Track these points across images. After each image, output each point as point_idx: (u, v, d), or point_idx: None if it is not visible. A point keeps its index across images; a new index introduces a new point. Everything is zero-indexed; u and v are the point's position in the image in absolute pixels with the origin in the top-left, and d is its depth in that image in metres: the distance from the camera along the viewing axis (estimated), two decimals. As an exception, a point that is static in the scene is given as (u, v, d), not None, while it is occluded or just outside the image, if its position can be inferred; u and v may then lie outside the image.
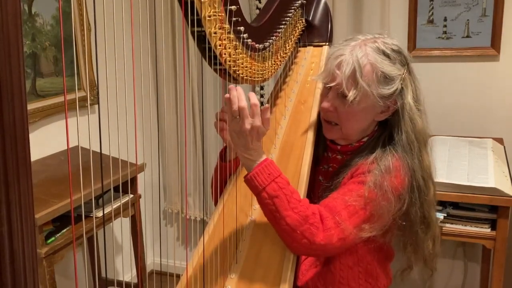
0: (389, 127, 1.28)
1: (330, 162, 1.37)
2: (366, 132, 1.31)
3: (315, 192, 1.38)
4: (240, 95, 1.06)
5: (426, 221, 1.27)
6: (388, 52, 1.23)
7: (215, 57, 1.12)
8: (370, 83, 1.20)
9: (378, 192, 1.17)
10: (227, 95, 1.08)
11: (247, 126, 1.06)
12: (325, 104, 1.28)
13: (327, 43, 1.64)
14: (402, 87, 1.23)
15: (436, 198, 1.30)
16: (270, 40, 1.35)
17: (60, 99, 2.17)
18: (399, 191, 1.20)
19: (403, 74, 1.24)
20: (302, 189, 1.25)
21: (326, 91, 1.29)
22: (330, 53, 1.28)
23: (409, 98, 1.23)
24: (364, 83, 1.19)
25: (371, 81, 1.20)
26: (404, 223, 1.27)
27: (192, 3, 1.01)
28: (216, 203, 1.35)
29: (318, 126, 1.40)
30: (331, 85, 1.24)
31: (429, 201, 1.25)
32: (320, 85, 1.45)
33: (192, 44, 2.48)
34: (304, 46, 1.67)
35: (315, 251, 1.15)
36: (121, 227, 2.48)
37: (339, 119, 1.27)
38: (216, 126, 1.28)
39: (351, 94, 1.20)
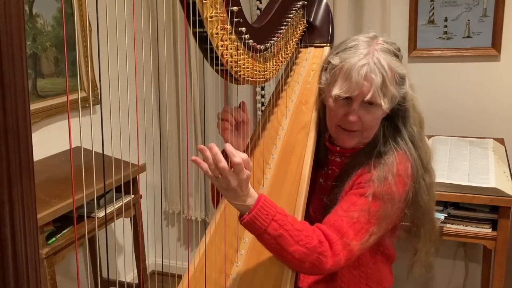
0: (385, 121, 1.28)
1: (330, 164, 1.37)
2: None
3: (316, 194, 1.38)
4: (216, 154, 0.99)
5: (418, 204, 1.27)
6: (396, 52, 1.25)
7: (217, 58, 1.12)
8: (395, 86, 1.21)
9: (382, 200, 1.17)
10: (202, 151, 1.00)
11: (234, 183, 1.00)
12: (354, 118, 1.23)
13: (328, 44, 1.64)
14: None
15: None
16: (272, 41, 1.35)
17: (60, 99, 2.17)
18: (405, 183, 1.21)
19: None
20: (303, 189, 1.25)
21: (342, 103, 1.24)
22: (348, 65, 1.20)
23: (409, 89, 1.25)
24: (392, 88, 1.20)
25: (394, 84, 1.21)
26: (413, 214, 1.27)
27: (194, 4, 1.01)
28: (216, 206, 1.35)
29: (319, 127, 1.40)
30: (367, 98, 1.19)
31: (431, 184, 1.27)
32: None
33: (194, 45, 2.49)
34: (305, 47, 1.67)
35: (324, 274, 1.18)
36: (123, 228, 2.48)
37: (363, 126, 1.25)
38: (218, 126, 1.27)
39: (384, 102, 1.19)
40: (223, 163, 0.99)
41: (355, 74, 1.18)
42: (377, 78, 1.17)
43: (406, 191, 1.21)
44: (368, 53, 1.20)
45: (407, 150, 1.23)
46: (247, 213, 1.04)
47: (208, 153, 0.99)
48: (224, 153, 1.01)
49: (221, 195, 1.31)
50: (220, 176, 0.99)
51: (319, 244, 1.09)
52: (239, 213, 1.07)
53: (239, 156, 0.99)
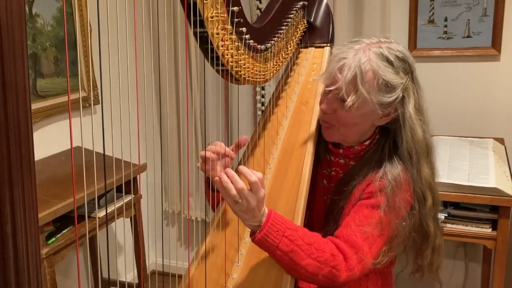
0: (392, 134, 1.26)
1: (333, 166, 1.36)
2: (366, 135, 1.29)
3: (319, 195, 1.38)
4: (233, 177, 1.00)
5: (423, 230, 1.26)
6: (392, 59, 1.20)
7: (217, 57, 1.13)
8: (370, 90, 1.18)
9: (392, 212, 1.17)
10: (219, 180, 1.00)
11: (253, 202, 1.01)
12: (324, 106, 1.26)
13: (328, 44, 1.64)
14: (403, 96, 1.20)
15: (437, 209, 1.28)
16: (272, 41, 1.35)
17: (60, 99, 2.17)
18: (411, 203, 1.21)
19: (405, 82, 1.21)
20: (303, 189, 1.25)
21: (326, 92, 1.28)
22: (334, 55, 1.25)
23: (410, 107, 1.21)
24: (364, 89, 1.17)
25: (371, 88, 1.18)
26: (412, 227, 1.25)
27: (195, 4, 1.01)
28: (213, 210, 1.35)
29: (320, 127, 1.40)
30: (331, 88, 1.22)
31: (426, 213, 1.23)
32: (322, 86, 1.45)
33: (194, 45, 2.49)
34: (306, 47, 1.67)
35: (339, 286, 1.17)
36: (123, 228, 2.48)
37: (337, 121, 1.26)
38: (203, 168, 1.23)
39: (349, 100, 1.18)
40: (241, 184, 1.00)
41: (332, 64, 1.22)
42: (348, 73, 1.17)
43: (411, 204, 1.21)
44: (357, 50, 1.20)
45: (408, 164, 1.22)
46: (258, 231, 1.05)
47: (225, 178, 1.00)
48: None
49: (222, 199, 1.31)
50: (240, 199, 1.00)
51: (331, 257, 1.09)
52: (250, 231, 1.08)
53: (255, 175, 1.01)
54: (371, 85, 1.18)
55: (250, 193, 1.00)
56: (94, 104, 2.37)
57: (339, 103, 1.23)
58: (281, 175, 1.33)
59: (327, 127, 1.31)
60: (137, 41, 1.86)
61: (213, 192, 1.30)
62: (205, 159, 1.22)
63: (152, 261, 2.94)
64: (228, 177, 1.00)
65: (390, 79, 1.19)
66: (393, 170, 1.21)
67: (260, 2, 2.43)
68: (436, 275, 1.33)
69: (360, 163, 1.29)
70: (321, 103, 1.30)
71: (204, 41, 1.09)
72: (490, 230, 1.78)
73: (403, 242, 1.23)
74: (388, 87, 1.19)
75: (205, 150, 1.23)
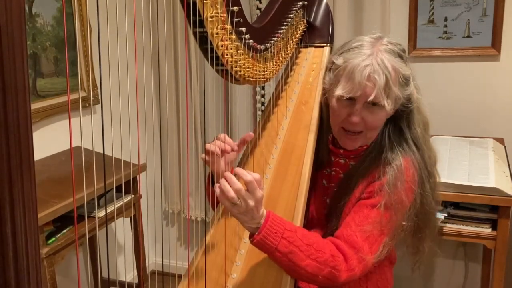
0: (391, 121, 1.27)
1: (333, 166, 1.36)
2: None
3: (318, 195, 1.38)
4: (230, 179, 1.01)
5: (438, 203, 1.29)
6: (401, 53, 1.23)
7: (217, 57, 1.13)
8: (398, 88, 1.20)
9: (393, 208, 1.18)
10: (218, 189, 1.01)
11: (252, 203, 1.01)
12: (357, 119, 1.22)
13: (328, 44, 1.64)
14: None
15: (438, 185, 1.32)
16: (272, 41, 1.35)
17: (60, 99, 2.17)
18: (413, 190, 1.21)
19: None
20: (303, 189, 1.25)
21: (345, 104, 1.24)
22: (351, 66, 1.19)
23: (415, 91, 1.25)
24: (396, 89, 1.19)
25: (397, 85, 1.20)
26: (418, 217, 1.26)
27: (194, 4, 1.01)
28: (213, 207, 1.35)
29: (320, 127, 1.40)
30: (370, 99, 1.18)
31: (433, 187, 1.27)
32: (320, 85, 1.45)
33: (194, 45, 2.49)
34: (306, 47, 1.67)
35: (339, 286, 1.17)
36: (123, 228, 2.48)
37: (366, 127, 1.25)
38: (207, 161, 1.23)
39: (387, 104, 1.19)
40: (238, 184, 1.00)
41: (358, 75, 1.18)
42: (380, 78, 1.16)
43: (414, 198, 1.22)
44: (371, 54, 1.19)
45: (412, 155, 1.23)
46: (256, 233, 1.05)
47: (223, 181, 1.01)
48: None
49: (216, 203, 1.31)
50: (238, 201, 1.00)
51: (331, 257, 1.09)
52: (249, 233, 1.08)
53: (250, 175, 1.01)
54: (396, 82, 1.20)
55: (248, 193, 1.00)
56: (94, 104, 2.37)
57: (368, 110, 1.22)
58: (281, 175, 1.33)
59: (354, 137, 1.27)
60: (136, 41, 1.86)
61: (214, 188, 1.30)
62: (209, 153, 1.22)
63: (152, 261, 2.94)
64: (225, 179, 1.01)
65: (405, 71, 1.22)
66: (394, 157, 1.22)
67: (260, 2, 2.43)
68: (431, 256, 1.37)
69: (360, 162, 1.29)
70: (340, 116, 1.26)
71: (203, 41, 1.09)
72: (490, 230, 1.78)
73: (403, 230, 1.24)
74: (406, 79, 1.23)
75: (211, 143, 1.23)
